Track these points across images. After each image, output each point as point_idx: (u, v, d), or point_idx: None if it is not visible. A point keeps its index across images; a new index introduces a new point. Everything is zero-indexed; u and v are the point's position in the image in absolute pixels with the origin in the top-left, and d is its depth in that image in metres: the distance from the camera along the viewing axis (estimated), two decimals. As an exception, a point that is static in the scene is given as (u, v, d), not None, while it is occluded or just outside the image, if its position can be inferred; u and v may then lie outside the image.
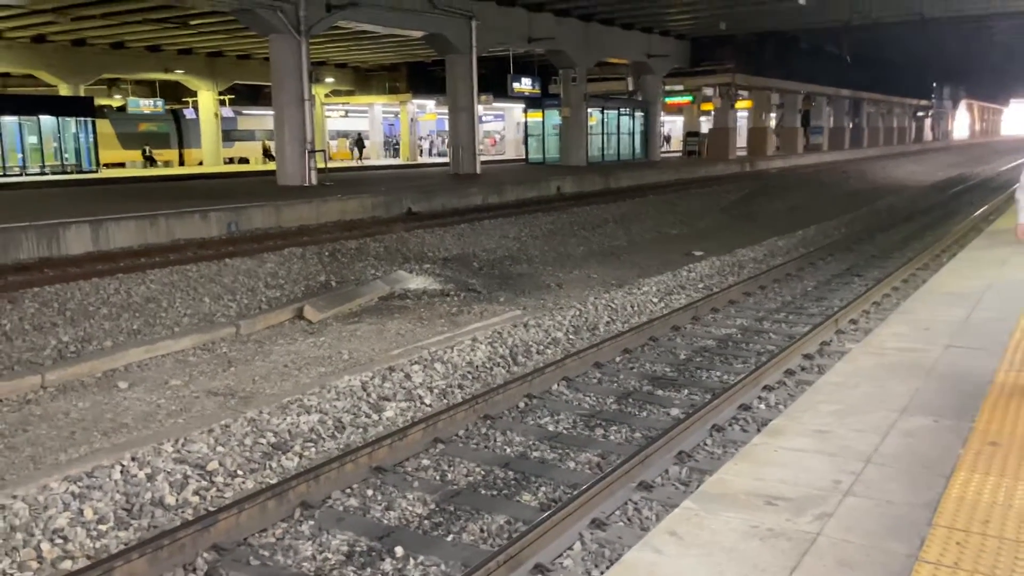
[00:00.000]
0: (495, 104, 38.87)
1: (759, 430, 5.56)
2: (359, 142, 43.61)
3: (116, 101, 42.37)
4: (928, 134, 67.93)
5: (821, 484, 3.47)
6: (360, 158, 42.07)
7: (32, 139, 30.13)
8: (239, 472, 5.29)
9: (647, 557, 2.91)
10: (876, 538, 3.00)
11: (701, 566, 2.83)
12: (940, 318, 6.41)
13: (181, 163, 38.98)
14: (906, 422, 4.20)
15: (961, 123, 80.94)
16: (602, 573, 3.89)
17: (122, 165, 35.53)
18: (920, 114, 65.30)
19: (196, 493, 4.98)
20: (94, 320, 9.61)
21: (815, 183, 29.70)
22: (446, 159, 42.47)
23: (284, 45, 19.30)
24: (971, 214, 19.33)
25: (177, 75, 37.10)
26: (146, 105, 37.52)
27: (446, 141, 48.04)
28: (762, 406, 6.45)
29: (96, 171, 30.91)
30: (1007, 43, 42.71)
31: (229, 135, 40.37)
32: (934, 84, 64.80)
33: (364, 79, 46.63)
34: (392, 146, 48.46)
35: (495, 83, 30.81)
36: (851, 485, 3.46)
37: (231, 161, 39.74)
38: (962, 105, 78.44)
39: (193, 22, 27.05)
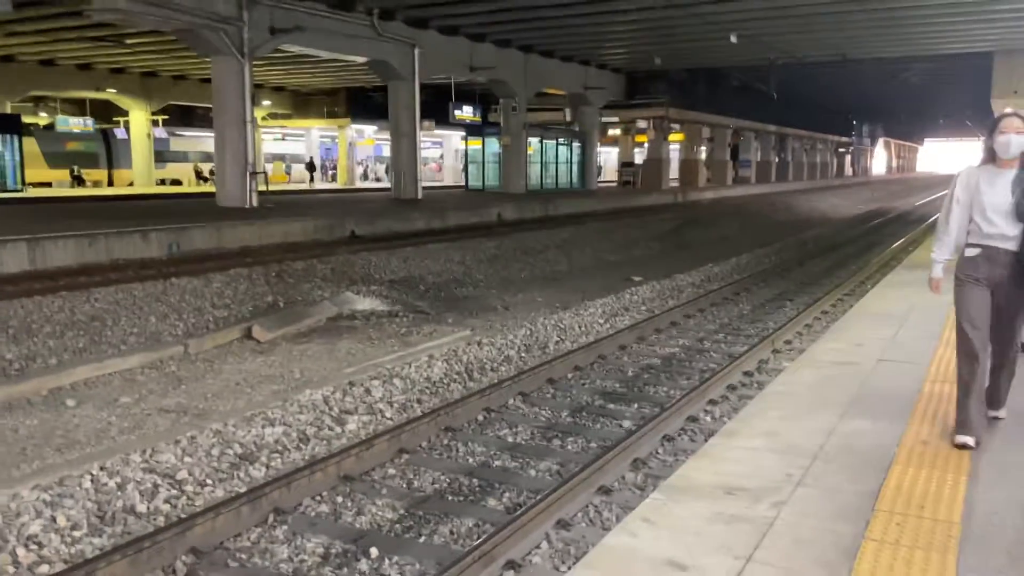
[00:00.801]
0: (435, 131, 39.21)
1: (706, 440, 5.91)
2: (311, 165, 43.57)
3: (43, 119, 41.27)
4: (849, 169, 70.92)
5: (774, 477, 3.80)
6: (312, 181, 42.05)
7: (-47, 156, 29.15)
8: (208, 481, 5.37)
9: (624, 540, 3.17)
10: (826, 521, 3.33)
11: (674, 546, 3.11)
12: (871, 335, 6.89)
13: (110, 183, 38.08)
14: (846, 425, 4.58)
15: (880, 159, 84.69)
16: (574, 563, 4.12)
17: (48, 185, 34.57)
18: (841, 150, 68.22)
19: (167, 501, 5.03)
20: (38, 338, 9.46)
21: (744, 214, 30.80)
22: (382, 184, 42.67)
23: (227, 67, 19.25)
24: (891, 245, 20.40)
25: (109, 94, 36.38)
26: (75, 124, 36.65)
27: (386, 166, 48.25)
28: (708, 418, 6.81)
29: (21, 190, 30.01)
30: (922, 84, 45.06)
31: (162, 156, 39.66)
32: (854, 122, 67.90)
33: (303, 103, 46.50)
34: (329, 170, 48.38)
35: (437, 110, 31.19)
36: (801, 477, 3.80)
37: (163, 182, 39.02)
38: (880, 142, 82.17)
39: (129, 41, 26.71)
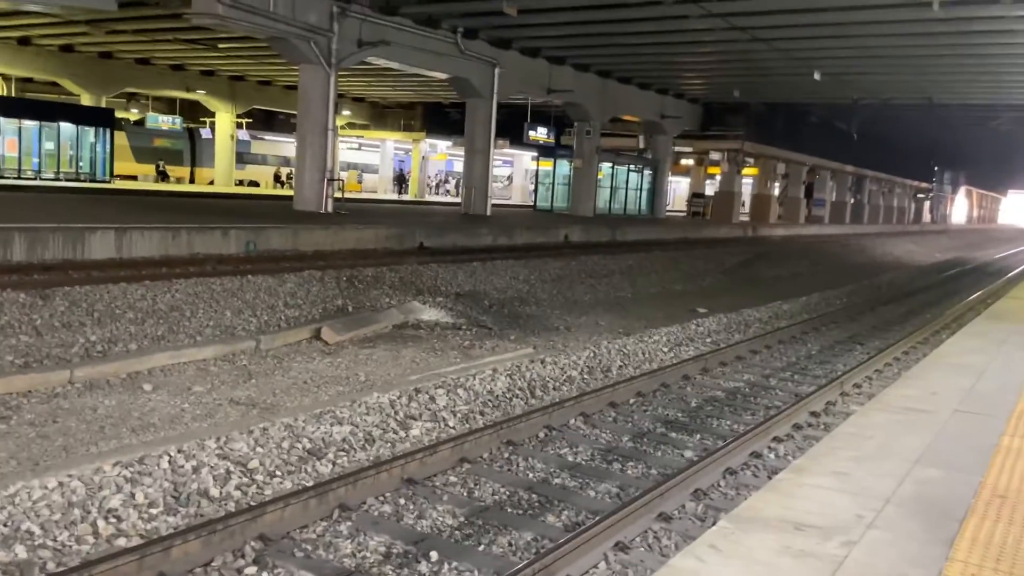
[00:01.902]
0: (506, 150, 39.60)
1: (769, 477, 5.85)
2: (400, 178, 44.44)
3: (134, 115, 43.03)
4: (927, 216, 69.08)
5: (845, 517, 3.75)
6: (400, 193, 42.92)
7: (49, 145, 30.55)
8: (278, 472, 5.53)
9: (691, 564, 3.17)
10: (898, 565, 3.27)
11: (741, 574, 3.10)
12: (947, 385, 6.72)
13: (192, 181, 39.48)
14: (920, 472, 4.48)
15: (960, 208, 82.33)
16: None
17: (134, 178, 35.99)
18: (920, 196, 66.50)
19: (238, 488, 5.20)
20: (120, 323, 9.86)
21: (816, 253, 30.25)
22: (449, 198, 43.22)
23: (314, 75, 19.85)
24: (968, 296, 19.78)
25: (198, 95, 37.80)
26: (164, 121, 38.13)
27: (455, 181, 48.86)
28: (772, 455, 6.72)
29: (109, 182, 31.31)
30: (1009, 132, 43.79)
31: (242, 157, 40.98)
32: (936, 168, 66.13)
33: (380, 114, 47.49)
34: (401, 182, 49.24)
35: (511, 128, 31.47)
36: (873, 520, 3.74)
37: (240, 183, 40.27)
38: (961, 191, 79.87)
39: (221, 45, 27.75)
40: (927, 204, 68.90)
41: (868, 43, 21.29)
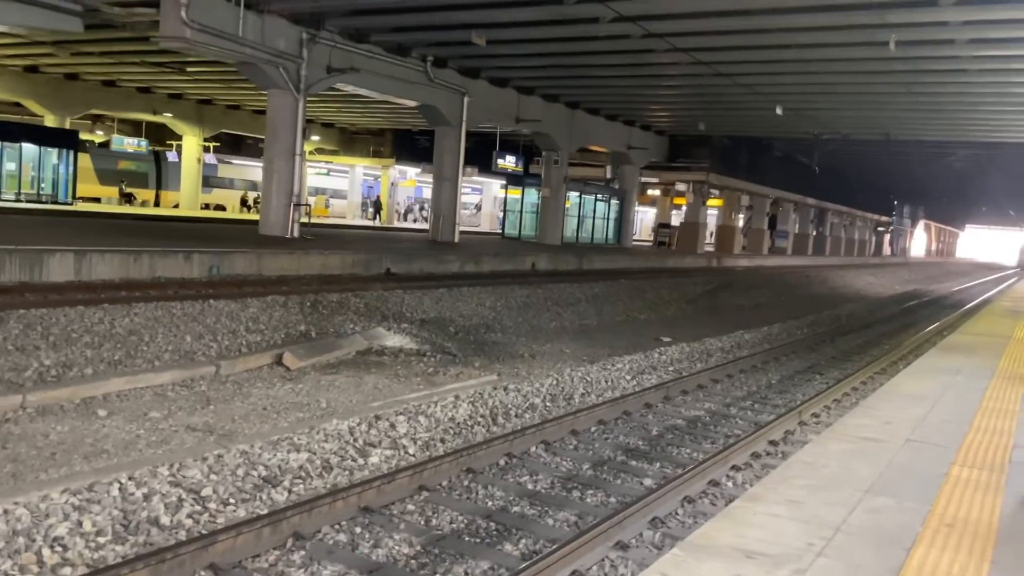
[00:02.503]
0: (475, 177, 39.82)
1: (727, 504, 5.88)
2: (377, 204, 44.43)
3: (99, 137, 42.57)
4: (887, 249, 70.49)
5: (796, 545, 3.79)
6: (376, 219, 42.93)
7: (11, 165, 30.10)
8: (231, 500, 5.44)
9: (642, 593, 3.18)
10: (846, 593, 3.31)
11: (691, 604, 3.11)
12: (901, 415, 6.83)
13: (157, 204, 39.05)
14: (871, 501, 4.55)
15: (919, 241, 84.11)
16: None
17: (97, 200, 35.53)
18: (880, 229, 67.89)
19: (190, 516, 5.12)
20: (76, 347, 9.68)
21: (778, 284, 30.67)
22: (417, 225, 43.27)
23: (282, 100, 19.84)
24: (925, 328, 20.15)
25: (165, 118, 37.52)
26: (130, 144, 37.77)
27: (420, 206, 48.98)
28: (730, 484, 6.77)
29: (71, 203, 30.88)
30: (965, 170, 44.95)
31: (208, 181, 40.67)
32: (895, 202, 67.65)
33: (349, 140, 47.53)
34: (369, 208, 49.25)
35: (479, 157, 31.71)
36: (823, 548, 3.78)
37: (207, 207, 39.93)
38: (920, 224, 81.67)
39: (190, 69, 27.64)
40: (887, 237, 70.33)
41: (828, 80, 21.82)
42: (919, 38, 16.75)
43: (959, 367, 9.95)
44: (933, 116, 26.51)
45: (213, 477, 5.78)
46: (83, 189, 34.08)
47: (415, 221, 49.09)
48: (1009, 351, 11.31)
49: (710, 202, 39.23)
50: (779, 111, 23.89)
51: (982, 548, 3.95)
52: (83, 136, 37.60)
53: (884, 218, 66.48)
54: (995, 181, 48.59)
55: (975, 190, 60.26)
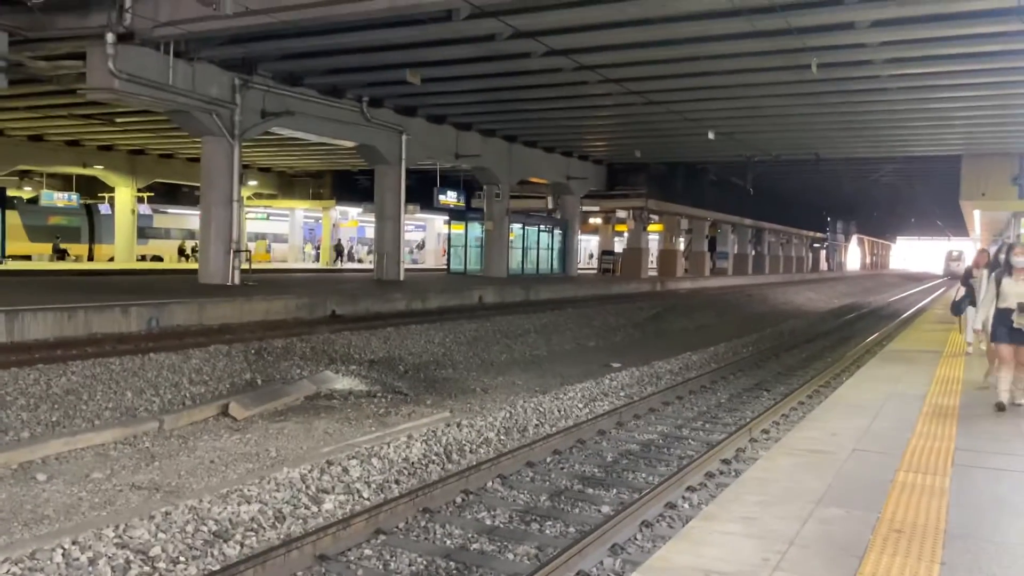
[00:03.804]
0: (418, 214, 39.80)
1: (684, 526, 5.92)
2: (339, 247, 44.09)
3: (28, 193, 41.49)
4: (824, 264, 72.33)
5: (752, 561, 3.83)
6: (339, 262, 42.63)
7: (-66, 227, 29.16)
8: (181, 558, 5.28)
9: (603, 621, 3.18)
10: (804, 606, 3.35)
11: (653, 628, 3.11)
12: (846, 426, 6.99)
13: (91, 258, 38.08)
14: (822, 512, 4.63)
15: (853, 255, 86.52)
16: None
17: (28, 258, 34.53)
18: (816, 245, 69.71)
19: (138, 578, 4.95)
20: (11, 410, 9.33)
21: (722, 304, 31.21)
22: (364, 264, 43.05)
23: (217, 147, 19.62)
24: (865, 339, 20.70)
25: (96, 170, 36.74)
26: (60, 199, 36.88)
27: (368, 247, 48.76)
28: (686, 505, 6.82)
29: (1, 262, 29.94)
30: (893, 184, 46.54)
31: (144, 232, 39.88)
32: (829, 218, 69.64)
33: (288, 183, 47.16)
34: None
35: (421, 194, 31.76)
36: (778, 562, 3.83)
37: (143, 258, 39.10)
38: (854, 239, 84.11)
39: (119, 119, 27.18)
40: (823, 253, 72.21)
41: (755, 103, 22.46)
42: (839, 60, 17.38)
43: (899, 375, 10.24)
44: (859, 134, 27.46)
45: (161, 536, 5.60)
46: (13, 247, 33.11)
47: (359, 262, 48.71)
48: (945, 357, 11.68)
49: (651, 227, 39.85)
50: (711, 136, 24.47)
51: (931, 550, 4.05)
52: (11, 192, 36.60)
53: (819, 235, 68.34)
54: (922, 193, 50.42)
55: (904, 203, 62.44)
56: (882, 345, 17.81)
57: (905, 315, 29.54)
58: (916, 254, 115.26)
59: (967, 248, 68.38)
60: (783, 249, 60.38)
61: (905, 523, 4.45)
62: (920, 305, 35.89)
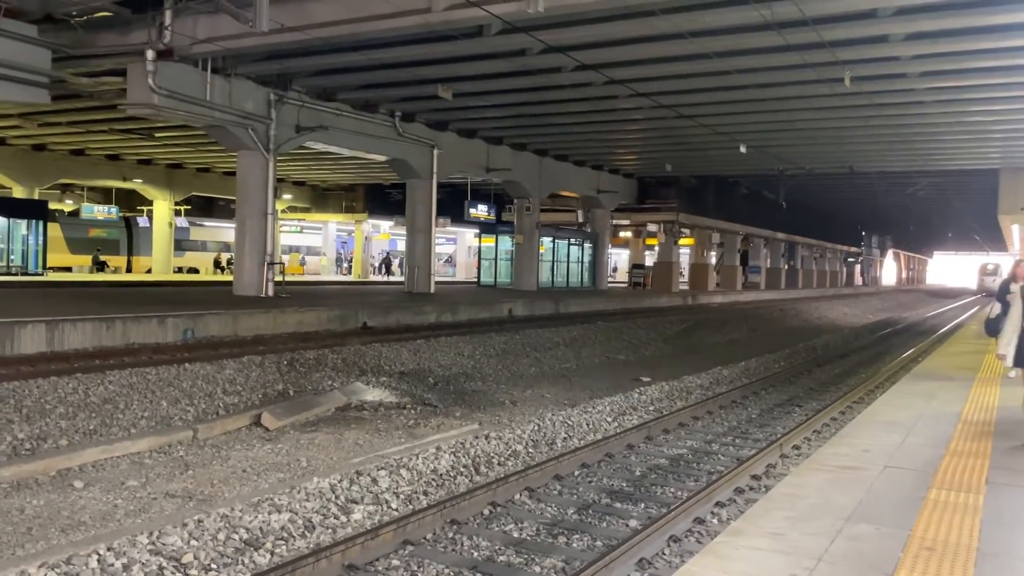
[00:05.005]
0: (449, 227, 40.06)
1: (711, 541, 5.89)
2: (387, 261, 44.61)
3: (69, 206, 42.43)
4: (858, 279, 71.41)
5: (779, 577, 3.81)
6: (387, 274, 43.17)
7: (-22, 238, 29.91)
8: (213, 566, 5.37)
9: (628, 634, 3.18)
10: (831, 622, 3.33)
11: (678, 642, 3.12)
12: (878, 442, 6.91)
13: (129, 270, 38.82)
14: (851, 528, 4.59)
15: (889, 270, 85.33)
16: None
17: (69, 269, 35.26)
18: (851, 260, 68.86)
19: (171, 584, 5.04)
20: (50, 419, 9.55)
21: (754, 319, 30.94)
22: (395, 277, 43.40)
23: (252, 161, 19.96)
24: (900, 355, 20.39)
25: (135, 184, 37.52)
26: (100, 211, 37.67)
27: (399, 260, 49.19)
28: (715, 520, 6.77)
29: (42, 274, 30.62)
30: (930, 198, 45.87)
31: (180, 244, 40.59)
32: (863, 232, 68.77)
33: (321, 196, 47.72)
34: (344, 263, 49.29)
35: (452, 207, 31.97)
36: (806, 578, 3.80)
37: (179, 270, 39.75)
38: (890, 253, 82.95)
39: (158, 134, 27.75)
40: (858, 267, 71.28)
41: (788, 117, 22.35)
42: (873, 73, 17.25)
43: (933, 391, 10.09)
44: (894, 147, 27.16)
45: (194, 543, 5.70)
46: (54, 259, 33.85)
47: (391, 275, 49.07)
48: (982, 374, 11.48)
49: (682, 241, 39.70)
50: (743, 149, 24.37)
51: (963, 568, 4.00)
52: (52, 206, 37.46)
53: (854, 249, 67.51)
54: (959, 207, 49.64)
55: (940, 217, 61.52)
56: (917, 361, 17.54)
57: (942, 331, 29.05)
58: (954, 269, 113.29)
59: (1004, 261, 63.61)
60: (816, 263, 59.73)
61: (936, 541, 4.40)
62: (957, 321, 35.27)
